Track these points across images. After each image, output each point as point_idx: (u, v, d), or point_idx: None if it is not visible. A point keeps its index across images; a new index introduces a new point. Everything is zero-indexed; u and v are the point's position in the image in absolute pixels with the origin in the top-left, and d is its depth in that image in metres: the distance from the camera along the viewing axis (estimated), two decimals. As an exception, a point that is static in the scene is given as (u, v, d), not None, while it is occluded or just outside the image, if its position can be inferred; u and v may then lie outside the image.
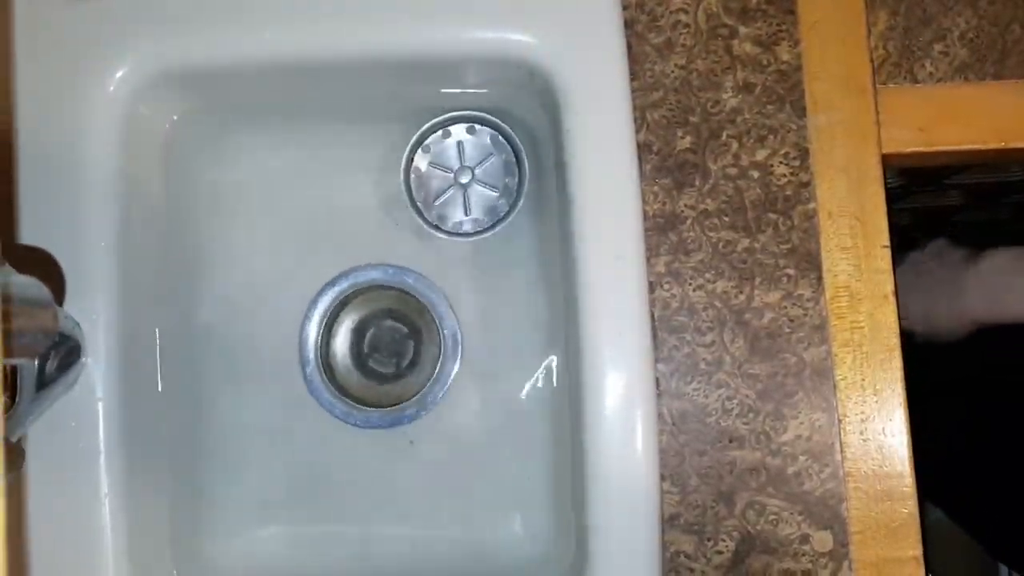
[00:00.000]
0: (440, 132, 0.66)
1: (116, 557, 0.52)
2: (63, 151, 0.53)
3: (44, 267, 0.52)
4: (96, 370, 0.53)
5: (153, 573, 0.55)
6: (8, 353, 0.23)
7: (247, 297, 0.66)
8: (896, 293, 0.83)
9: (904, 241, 0.83)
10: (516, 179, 0.65)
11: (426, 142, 0.66)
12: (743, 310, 0.57)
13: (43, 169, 0.53)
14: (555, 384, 0.64)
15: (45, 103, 0.53)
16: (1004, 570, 1.33)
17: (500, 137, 0.66)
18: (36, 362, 0.47)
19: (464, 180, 0.65)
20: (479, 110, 0.64)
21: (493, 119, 0.64)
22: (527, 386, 0.66)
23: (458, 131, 0.66)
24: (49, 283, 0.36)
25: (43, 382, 0.48)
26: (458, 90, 0.62)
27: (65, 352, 0.50)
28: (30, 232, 0.53)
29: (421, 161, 0.66)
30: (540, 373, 0.66)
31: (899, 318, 0.85)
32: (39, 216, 0.53)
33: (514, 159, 0.66)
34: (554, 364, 0.64)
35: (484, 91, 0.62)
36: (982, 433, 0.93)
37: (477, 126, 0.66)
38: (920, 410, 0.57)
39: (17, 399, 0.46)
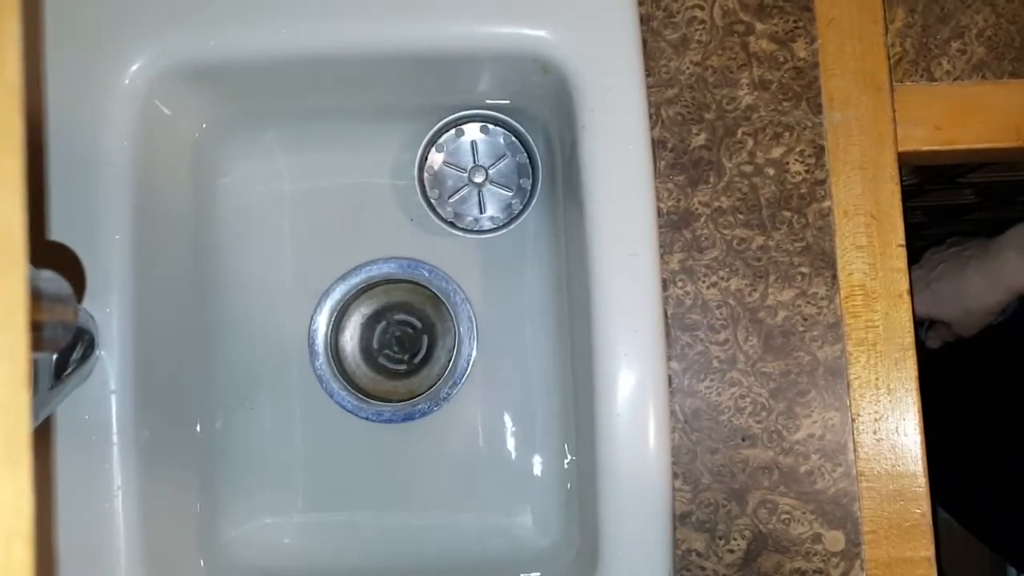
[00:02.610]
0: (454, 131, 0.66)
1: (129, 550, 0.52)
2: (79, 144, 0.53)
3: (64, 261, 0.52)
4: (110, 363, 0.53)
5: (167, 565, 0.56)
6: (33, 348, 0.23)
7: (261, 291, 0.66)
8: (912, 292, 0.83)
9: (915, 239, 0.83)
10: (530, 180, 0.65)
11: (440, 140, 0.66)
12: (757, 308, 0.57)
13: (60, 161, 0.53)
14: (570, 381, 0.64)
15: (63, 96, 0.53)
16: (1013, 572, 1.33)
17: (514, 138, 0.66)
18: (54, 356, 0.47)
19: (478, 179, 0.65)
20: (493, 109, 0.64)
21: (507, 119, 0.64)
22: (540, 382, 0.66)
23: (472, 130, 0.66)
24: (69, 278, 0.36)
25: (60, 375, 0.48)
26: (473, 88, 0.62)
27: (83, 345, 0.50)
28: (49, 225, 0.53)
29: (435, 159, 0.66)
30: (553, 370, 0.66)
31: (928, 313, 0.84)
32: (56, 208, 0.53)
33: (527, 161, 0.66)
34: (567, 361, 0.64)
35: (498, 89, 0.62)
36: (987, 435, 0.92)
37: (491, 126, 0.66)
38: (927, 412, 0.57)
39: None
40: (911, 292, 0.57)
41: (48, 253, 0.52)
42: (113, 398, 0.53)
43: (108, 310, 0.53)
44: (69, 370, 0.49)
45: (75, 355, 0.50)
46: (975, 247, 0.80)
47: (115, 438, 0.53)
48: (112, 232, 0.53)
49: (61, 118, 0.53)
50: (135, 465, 0.53)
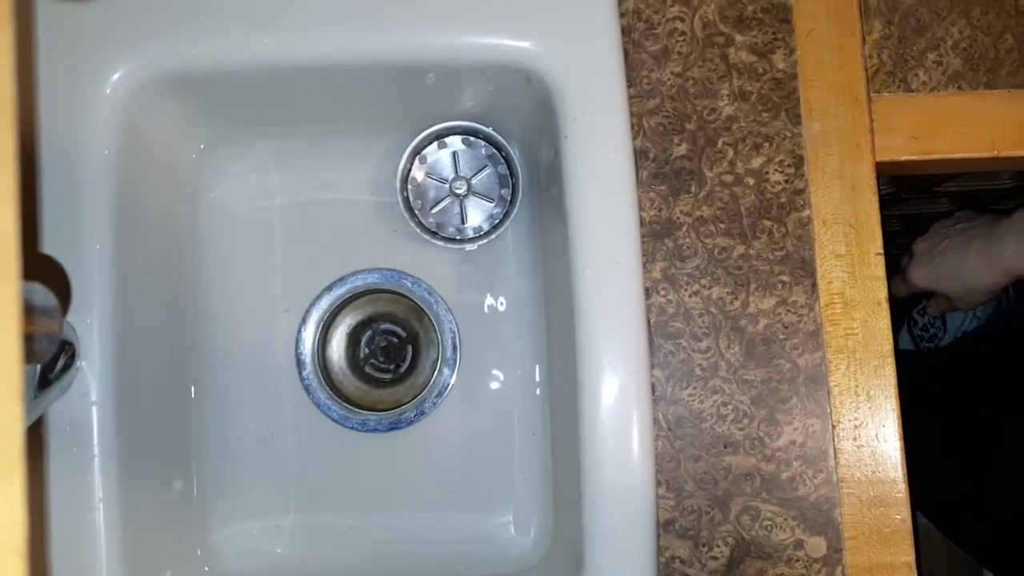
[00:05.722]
0: (436, 143, 0.66)
1: (110, 564, 0.52)
2: (61, 154, 0.53)
3: (49, 273, 0.52)
4: (91, 374, 0.53)
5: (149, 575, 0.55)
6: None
7: (245, 302, 0.66)
8: (917, 263, 0.84)
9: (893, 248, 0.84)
10: (511, 191, 0.66)
11: (422, 152, 0.66)
12: (738, 316, 0.57)
13: (42, 170, 0.53)
14: (551, 389, 0.64)
15: (46, 106, 0.53)
16: (988, 576, 1.34)
17: (495, 150, 0.66)
18: (39, 367, 0.46)
19: (460, 190, 0.65)
20: (475, 121, 0.64)
21: (487, 131, 0.65)
22: (523, 391, 0.66)
23: (453, 142, 0.66)
24: (53, 289, 0.36)
25: (41, 386, 0.47)
26: (455, 100, 0.62)
27: (64, 356, 0.49)
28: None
29: (417, 171, 0.66)
30: (536, 378, 0.66)
31: (931, 287, 0.86)
32: (40, 218, 0.52)
33: (508, 171, 0.66)
34: (550, 369, 0.64)
35: (481, 101, 0.62)
36: (962, 439, 0.93)
37: (472, 138, 0.66)
38: (906, 417, 0.57)
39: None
40: (890, 297, 0.57)
41: (33, 264, 0.52)
42: (94, 409, 0.53)
43: (89, 321, 0.53)
44: (50, 381, 0.49)
45: (57, 366, 0.49)
46: (980, 226, 0.81)
47: (96, 450, 0.52)
48: (93, 242, 0.53)
49: (45, 128, 0.53)
50: (117, 477, 0.53)
